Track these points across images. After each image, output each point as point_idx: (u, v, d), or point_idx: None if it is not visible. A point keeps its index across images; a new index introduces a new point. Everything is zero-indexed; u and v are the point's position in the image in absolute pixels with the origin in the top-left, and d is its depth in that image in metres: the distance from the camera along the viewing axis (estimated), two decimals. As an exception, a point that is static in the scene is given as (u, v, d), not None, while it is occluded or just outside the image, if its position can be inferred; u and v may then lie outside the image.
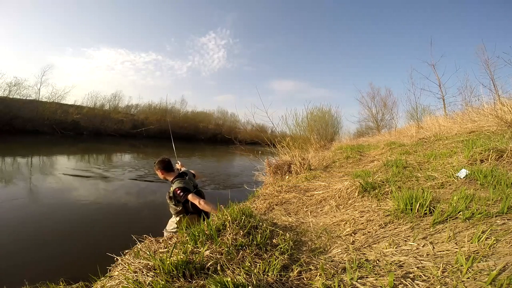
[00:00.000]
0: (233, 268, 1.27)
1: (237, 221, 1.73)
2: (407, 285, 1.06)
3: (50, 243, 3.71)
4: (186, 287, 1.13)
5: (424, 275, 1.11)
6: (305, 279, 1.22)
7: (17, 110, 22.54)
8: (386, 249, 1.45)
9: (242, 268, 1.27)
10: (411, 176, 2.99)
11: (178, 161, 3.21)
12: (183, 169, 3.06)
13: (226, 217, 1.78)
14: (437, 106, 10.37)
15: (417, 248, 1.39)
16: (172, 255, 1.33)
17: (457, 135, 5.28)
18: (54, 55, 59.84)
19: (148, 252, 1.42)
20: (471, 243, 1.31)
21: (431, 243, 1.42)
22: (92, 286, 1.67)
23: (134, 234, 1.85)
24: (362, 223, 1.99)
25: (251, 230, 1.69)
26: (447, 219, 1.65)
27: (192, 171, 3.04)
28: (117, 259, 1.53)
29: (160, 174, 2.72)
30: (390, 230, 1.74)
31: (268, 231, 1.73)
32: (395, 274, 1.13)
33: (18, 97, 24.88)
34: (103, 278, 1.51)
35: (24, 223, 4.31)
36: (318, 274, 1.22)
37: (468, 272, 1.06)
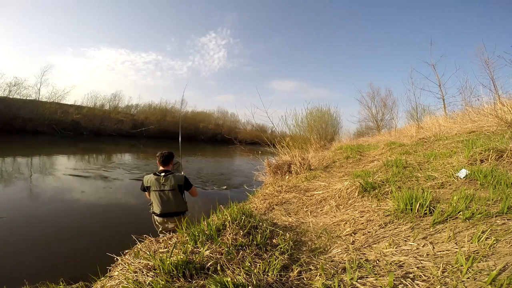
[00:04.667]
0: (233, 268, 1.27)
1: (237, 221, 1.73)
2: (407, 285, 1.06)
3: (50, 243, 3.71)
4: (186, 287, 1.13)
5: (424, 275, 1.11)
6: (305, 279, 1.22)
7: (17, 110, 22.56)
8: (386, 249, 1.45)
9: (242, 268, 1.27)
10: (411, 176, 2.99)
11: (183, 172, 3.04)
12: (181, 173, 2.86)
13: (226, 217, 1.78)
14: (437, 106, 10.34)
15: (417, 248, 1.39)
16: (172, 255, 1.33)
17: (457, 135, 5.28)
18: (54, 55, 59.75)
19: (148, 252, 1.42)
20: (471, 243, 1.31)
21: (431, 243, 1.42)
22: (92, 286, 1.67)
23: (134, 234, 1.85)
24: (362, 223, 1.99)
25: (251, 230, 1.69)
26: (447, 219, 1.65)
27: (191, 185, 2.74)
28: (117, 259, 1.53)
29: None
30: (390, 230, 1.74)
31: (268, 231, 1.73)
32: (395, 274, 1.13)
33: (18, 97, 24.93)
34: (103, 278, 1.51)
35: (24, 223, 4.31)
36: (318, 274, 1.22)
37: (468, 272, 1.06)
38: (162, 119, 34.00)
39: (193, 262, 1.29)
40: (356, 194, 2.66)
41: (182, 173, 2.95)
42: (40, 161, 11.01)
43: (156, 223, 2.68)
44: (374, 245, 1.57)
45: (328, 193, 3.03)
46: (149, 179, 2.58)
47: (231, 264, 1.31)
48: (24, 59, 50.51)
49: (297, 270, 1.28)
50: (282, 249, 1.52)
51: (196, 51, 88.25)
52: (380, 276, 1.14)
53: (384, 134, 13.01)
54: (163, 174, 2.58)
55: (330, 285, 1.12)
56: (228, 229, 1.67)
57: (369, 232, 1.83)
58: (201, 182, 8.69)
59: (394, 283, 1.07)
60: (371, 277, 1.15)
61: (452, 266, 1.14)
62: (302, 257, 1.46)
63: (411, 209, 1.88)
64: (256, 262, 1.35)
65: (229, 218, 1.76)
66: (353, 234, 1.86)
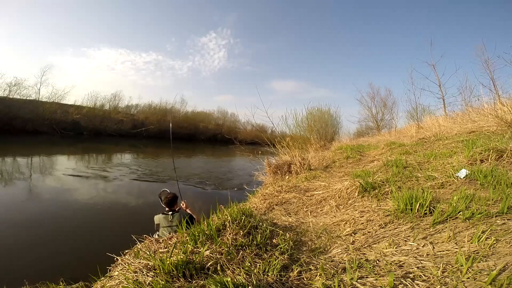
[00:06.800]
0: (233, 268, 1.27)
1: (237, 221, 1.73)
2: (407, 285, 1.06)
3: (50, 243, 3.71)
4: (186, 287, 1.13)
5: (424, 275, 1.11)
6: (305, 279, 1.22)
7: (17, 110, 22.52)
8: (386, 249, 1.45)
9: (242, 268, 1.27)
10: (411, 176, 2.99)
11: (183, 203, 3.52)
12: (184, 208, 3.42)
13: (226, 217, 1.78)
14: (437, 106, 10.36)
15: (417, 248, 1.39)
16: (172, 255, 1.33)
17: (457, 135, 5.28)
18: (55, 55, 59.83)
19: (148, 252, 1.42)
20: (471, 243, 1.31)
21: (431, 243, 1.42)
22: (92, 286, 1.67)
23: (134, 234, 1.85)
24: (362, 223, 1.99)
25: (251, 230, 1.69)
26: (447, 219, 1.65)
27: (188, 211, 3.35)
28: (117, 259, 1.53)
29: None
30: (390, 230, 1.74)
31: (268, 231, 1.73)
32: (395, 274, 1.13)
33: (18, 97, 24.86)
34: (103, 278, 1.51)
35: (24, 223, 4.31)
36: (318, 274, 1.22)
37: (468, 272, 1.06)
38: (162, 119, 33.97)
39: (193, 262, 1.29)
40: (356, 194, 2.66)
41: (182, 202, 3.50)
42: (40, 161, 11.01)
43: None
44: (374, 245, 1.57)
45: (328, 193, 3.03)
46: (158, 218, 3.01)
47: (231, 264, 1.31)
48: (24, 59, 50.51)
49: (297, 270, 1.28)
50: (282, 249, 1.51)
51: (196, 51, 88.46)
52: (380, 276, 1.14)
53: (384, 134, 13.01)
54: (170, 213, 3.02)
55: (330, 285, 1.12)
56: (228, 229, 1.67)
57: (369, 232, 1.83)
58: (201, 182, 8.70)
59: (394, 283, 1.07)
60: (371, 277, 1.15)
61: (452, 266, 1.14)
62: (302, 257, 1.46)
63: (411, 209, 1.88)
64: (256, 262, 1.35)
65: (229, 218, 1.75)
66: (353, 234, 1.86)
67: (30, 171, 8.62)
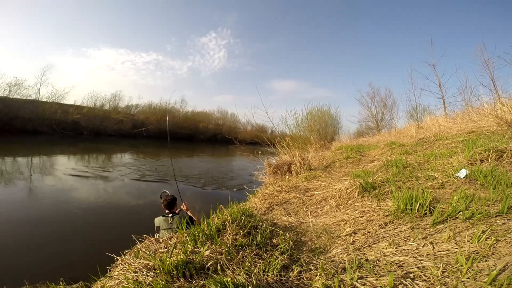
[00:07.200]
0: (233, 268, 1.27)
1: (237, 221, 1.73)
2: (407, 285, 1.06)
3: (50, 243, 3.71)
4: (186, 287, 1.13)
5: (424, 275, 1.11)
6: (305, 279, 1.22)
7: (17, 110, 22.53)
8: (386, 249, 1.45)
9: (242, 268, 1.27)
10: (411, 176, 2.99)
11: (184, 204, 3.53)
12: (185, 210, 3.44)
13: (226, 217, 1.78)
14: (437, 106, 10.34)
15: (417, 248, 1.39)
16: (172, 255, 1.33)
17: (457, 135, 5.28)
18: (55, 55, 59.73)
19: (148, 252, 1.42)
20: (471, 243, 1.31)
21: (431, 243, 1.42)
22: (92, 286, 1.67)
23: (134, 234, 1.85)
24: (362, 223, 1.99)
25: (251, 230, 1.69)
26: (447, 219, 1.65)
27: (189, 213, 3.39)
28: (117, 259, 1.52)
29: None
30: (390, 230, 1.74)
31: (268, 231, 1.73)
32: (395, 274, 1.13)
33: (18, 97, 24.87)
34: (103, 278, 1.51)
35: (25, 223, 4.31)
36: (318, 274, 1.22)
37: (468, 272, 1.06)
38: (162, 119, 33.95)
39: (193, 262, 1.29)
40: (356, 194, 2.66)
41: (183, 204, 3.51)
42: (40, 161, 11.01)
43: None
44: (374, 245, 1.57)
45: (328, 193, 3.03)
46: (158, 220, 3.01)
47: (231, 264, 1.31)
48: (24, 59, 50.48)
49: (297, 270, 1.28)
50: (282, 249, 1.51)
51: (196, 51, 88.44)
52: (380, 276, 1.14)
53: (384, 134, 13.00)
54: (170, 215, 3.01)
55: (330, 285, 1.12)
56: (228, 229, 1.67)
57: (369, 232, 1.83)
58: (201, 182, 8.70)
59: (394, 283, 1.07)
60: (371, 277, 1.15)
61: (452, 266, 1.14)
62: (302, 257, 1.46)
63: (411, 209, 1.88)
64: (256, 262, 1.35)
65: (229, 218, 1.75)
66: (353, 234, 1.86)
67: (30, 171, 8.63)
